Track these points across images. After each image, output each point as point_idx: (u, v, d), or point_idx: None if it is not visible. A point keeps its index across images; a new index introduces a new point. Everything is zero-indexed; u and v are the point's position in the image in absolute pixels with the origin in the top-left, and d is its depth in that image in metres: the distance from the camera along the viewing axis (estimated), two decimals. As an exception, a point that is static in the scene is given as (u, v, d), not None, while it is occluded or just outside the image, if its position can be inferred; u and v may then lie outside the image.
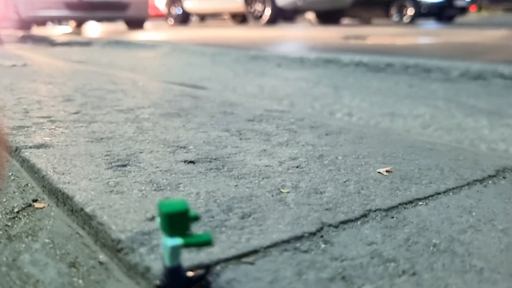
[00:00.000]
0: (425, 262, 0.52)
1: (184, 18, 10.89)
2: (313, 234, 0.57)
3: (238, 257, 0.51)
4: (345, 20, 10.94)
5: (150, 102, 1.37)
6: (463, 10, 10.30)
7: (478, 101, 1.82)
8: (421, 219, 0.62)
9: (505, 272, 0.50)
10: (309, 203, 0.65)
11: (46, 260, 0.60)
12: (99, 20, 8.57)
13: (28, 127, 1.05)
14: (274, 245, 0.54)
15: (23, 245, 0.64)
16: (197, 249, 0.52)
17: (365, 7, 10.36)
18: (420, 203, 0.67)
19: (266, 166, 0.81)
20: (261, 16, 9.00)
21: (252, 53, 3.37)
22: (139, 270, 0.50)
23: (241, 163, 0.82)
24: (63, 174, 0.75)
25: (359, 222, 0.60)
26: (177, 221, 0.43)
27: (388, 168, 0.80)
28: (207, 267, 0.49)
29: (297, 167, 0.81)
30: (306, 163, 0.83)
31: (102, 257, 0.57)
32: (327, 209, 0.63)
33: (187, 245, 0.44)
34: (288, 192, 0.69)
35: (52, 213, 0.70)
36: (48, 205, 0.72)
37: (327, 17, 10.07)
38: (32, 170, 0.81)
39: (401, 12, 9.82)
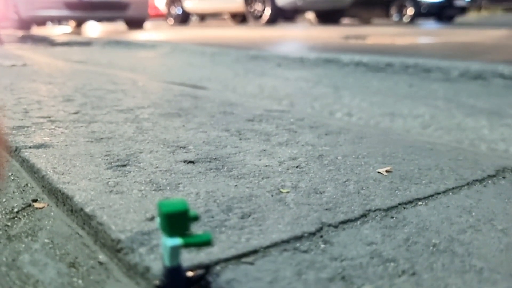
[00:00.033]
0: (424, 262, 0.52)
1: (184, 18, 10.89)
2: (312, 234, 0.57)
3: (237, 257, 0.51)
4: (345, 20, 10.94)
5: (150, 102, 1.37)
6: (463, 10, 10.30)
7: (478, 101, 1.82)
8: (420, 219, 0.62)
9: (505, 272, 0.50)
10: (308, 203, 0.65)
11: (45, 260, 0.60)
12: (99, 20, 8.57)
13: (28, 127, 1.05)
14: (274, 245, 0.54)
15: (23, 245, 0.64)
16: (197, 249, 0.52)
17: (365, 7, 10.36)
18: (420, 203, 0.67)
19: (266, 166, 0.81)
20: (261, 16, 9.00)
21: (252, 53, 3.37)
22: (138, 270, 0.50)
23: (240, 163, 0.82)
24: (62, 174, 0.75)
25: (358, 222, 0.60)
26: (177, 221, 0.43)
27: (388, 168, 0.80)
28: (207, 267, 0.49)
29: (296, 167, 0.81)
30: (306, 163, 0.83)
31: (101, 257, 0.57)
32: (326, 209, 0.63)
33: (186, 245, 0.44)
34: (288, 192, 0.69)
35: (52, 213, 0.70)
36: (47, 205, 0.72)
37: (327, 17, 10.08)
38: (32, 170, 0.81)
39: (401, 12, 9.82)
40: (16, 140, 0.94)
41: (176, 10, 10.89)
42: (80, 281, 0.55)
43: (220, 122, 1.13)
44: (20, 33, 6.86)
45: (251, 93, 2.08)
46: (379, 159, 0.86)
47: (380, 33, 5.95)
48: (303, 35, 6.08)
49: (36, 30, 8.10)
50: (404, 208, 0.65)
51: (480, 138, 1.32)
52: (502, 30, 6.25)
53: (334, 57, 2.92)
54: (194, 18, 12.78)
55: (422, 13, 9.64)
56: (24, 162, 0.85)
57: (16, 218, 0.72)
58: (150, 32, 7.46)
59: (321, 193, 0.69)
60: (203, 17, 12.91)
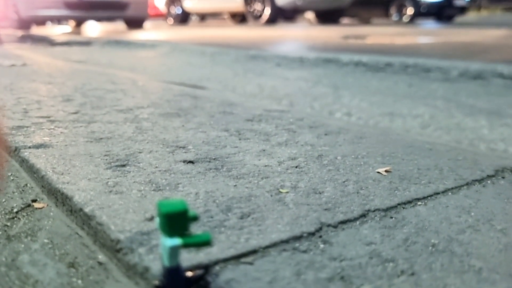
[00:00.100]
0: (423, 262, 0.52)
1: (183, 18, 10.89)
2: (312, 234, 0.57)
3: (237, 257, 0.51)
4: (345, 20, 10.94)
5: (150, 102, 1.37)
6: (463, 9, 10.31)
7: (477, 101, 1.82)
8: (420, 219, 0.62)
9: (504, 272, 0.50)
10: (308, 203, 0.65)
11: (45, 260, 0.60)
12: (98, 19, 8.56)
13: (27, 127, 1.05)
14: (273, 245, 0.54)
15: (22, 245, 0.64)
16: (196, 249, 0.52)
17: (364, 7, 10.36)
18: (419, 203, 0.67)
19: (265, 166, 0.81)
20: (260, 16, 9.00)
21: (252, 53, 3.37)
22: (138, 270, 0.51)
23: (240, 163, 0.82)
24: (62, 174, 0.75)
25: (358, 222, 0.60)
26: (176, 221, 0.43)
27: (387, 168, 0.80)
28: (206, 267, 0.49)
29: (296, 167, 0.81)
30: (305, 163, 0.83)
31: (101, 257, 0.57)
32: (326, 209, 0.63)
33: (186, 245, 0.44)
34: (287, 192, 0.69)
35: (51, 213, 0.70)
36: (47, 205, 0.72)
37: (327, 17, 10.08)
38: (32, 170, 0.81)
39: (400, 11, 9.82)
40: (16, 140, 0.94)
41: (176, 10, 10.89)
42: (79, 281, 0.55)
43: (220, 122, 1.13)
44: (20, 32, 6.86)
45: (251, 93, 2.08)
46: (378, 159, 0.86)
47: (380, 33, 5.95)
48: (302, 35, 6.08)
49: (36, 30, 8.09)
50: (403, 208, 0.65)
51: (479, 138, 1.32)
52: (502, 29, 6.26)
53: (334, 57, 2.92)
54: (193, 18, 12.78)
55: (422, 12, 9.65)
56: (23, 162, 0.85)
57: (15, 218, 0.72)
58: (149, 32, 7.46)
59: (320, 193, 0.69)
60: (202, 17, 12.91)
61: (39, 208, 0.72)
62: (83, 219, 0.63)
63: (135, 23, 8.77)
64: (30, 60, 2.66)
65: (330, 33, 6.05)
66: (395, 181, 0.75)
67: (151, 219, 0.59)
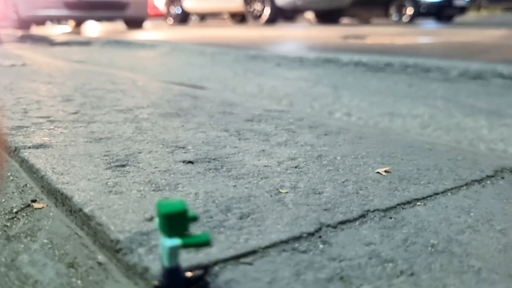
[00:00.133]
0: (423, 262, 0.52)
1: (183, 18, 10.89)
2: (311, 234, 0.57)
3: (236, 258, 0.51)
4: (344, 20, 10.94)
5: (149, 102, 1.37)
6: (462, 9, 10.31)
7: (477, 101, 1.82)
8: (419, 220, 0.62)
9: (503, 273, 0.50)
10: (307, 203, 0.65)
11: (44, 260, 0.60)
12: (98, 19, 8.56)
13: (27, 127, 1.05)
14: (273, 245, 0.54)
15: (22, 246, 0.64)
16: (196, 250, 0.52)
17: (364, 7, 10.36)
18: (419, 203, 0.67)
19: (265, 166, 0.81)
20: (260, 16, 9.00)
21: (252, 53, 3.37)
22: (137, 270, 0.51)
23: (240, 163, 0.82)
24: (62, 174, 0.75)
25: (357, 223, 0.60)
26: (176, 221, 0.43)
27: (386, 168, 0.80)
28: (206, 268, 0.49)
29: (295, 167, 0.81)
30: (305, 163, 0.83)
31: (100, 257, 0.57)
32: (325, 210, 0.63)
33: (185, 246, 0.44)
34: (287, 192, 0.69)
35: (51, 214, 0.70)
36: (47, 205, 0.72)
37: (327, 17, 10.08)
38: (31, 170, 0.81)
39: (400, 11, 9.82)
40: (15, 140, 0.94)
41: (176, 10, 10.89)
42: (79, 282, 0.55)
43: (219, 122, 1.13)
44: (20, 32, 6.86)
45: (251, 93, 2.08)
46: (378, 159, 0.86)
47: (380, 33, 5.95)
48: (302, 34, 6.08)
49: (36, 30, 8.09)
50: (403, 208, 0.65)
51: (479, 138, 1.32)
52: (502, 29, 6.26)
53: (334, 57, 2.92)
54: (193, 18, 12.78)
55: (422, 12, 9.65)
56: (23, 162, 0.85)
57: (15, 219, 0.72)
58: (149, 32, 7.46)
59: (320, 194, 0.69)
60: (202, 16, 12.91)
61: (38, 208, 0.72)
62: (83, 219, 0.63)
63: (135, 23, 8.77)
64: (30, 60, 2.66)
65: (330, 33, 6.05)
66: (394, 181, 0.75)
67: (151, 219, 0.59)
